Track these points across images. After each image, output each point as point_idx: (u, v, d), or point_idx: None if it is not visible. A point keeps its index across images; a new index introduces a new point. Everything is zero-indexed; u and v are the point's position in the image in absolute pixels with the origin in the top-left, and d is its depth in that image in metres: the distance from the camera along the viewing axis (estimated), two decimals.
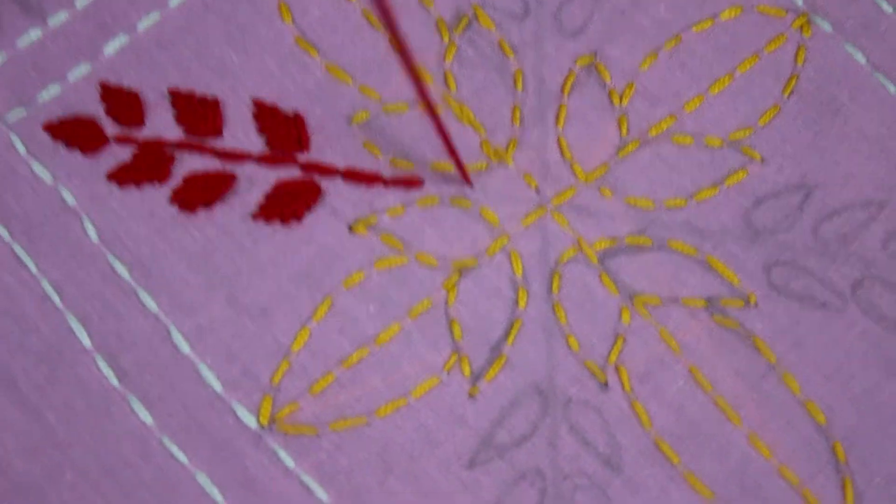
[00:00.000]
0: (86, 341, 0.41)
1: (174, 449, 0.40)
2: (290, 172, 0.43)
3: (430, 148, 0.43)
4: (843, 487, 0.40)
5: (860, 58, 0.45)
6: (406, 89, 0.44)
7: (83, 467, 0.39)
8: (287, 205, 0.42)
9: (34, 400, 0.40)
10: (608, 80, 0.45)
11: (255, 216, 0.42)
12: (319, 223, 0.43)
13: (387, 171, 0.43)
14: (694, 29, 0.45)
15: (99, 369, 0.41)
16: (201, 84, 0.44)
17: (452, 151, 0.41)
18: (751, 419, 0.41)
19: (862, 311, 0.42)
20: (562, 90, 0.44)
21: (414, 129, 0.44)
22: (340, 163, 0.43)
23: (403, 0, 0.45)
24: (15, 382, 0.40)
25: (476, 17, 0.45)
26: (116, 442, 0.40)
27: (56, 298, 0.41)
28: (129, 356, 0.41)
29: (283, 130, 0.43)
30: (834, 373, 0.41)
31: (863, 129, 0.44)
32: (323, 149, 0.44)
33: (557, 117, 0.44)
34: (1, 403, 0.40)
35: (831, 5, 0.45)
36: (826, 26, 0.45)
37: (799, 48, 0.45)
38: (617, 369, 0.41)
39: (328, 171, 0.43)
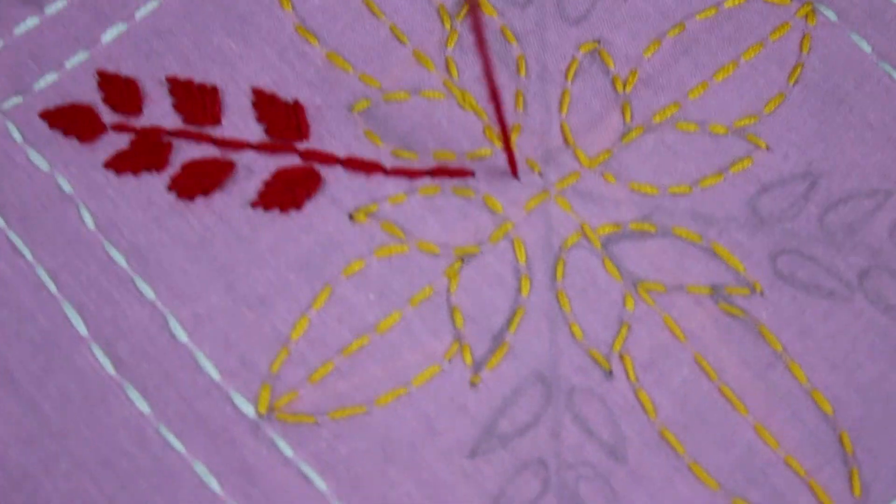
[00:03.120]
0: (82, 329, 0.40)
1: (171, 438, 0.39)
2: (290, 160, 0.43)
3: (432, 137, 0.43)
4: (851, 478, 0.40)
5: (865, 47, 0.44)
6: (406, 78, 0.44)
7: (79, 457, 0.39)
8: (286, 192, 0.42)
9: (30, 389, 0.40)
10: (612, 67, 0.44)
11: (254, 204, 0.42)
12: (319, 211, 0.42)
13: (388, 161, 0.43)
14: (697, 17, 0.45)
15: (95, 358, 0.40)
16: (200, 72, 0.44)
17: (508, 144, 0.41)
18: (757, 409, 0.40)
19: (869, 301, 0.42)
20: (565, 76, 0.44)
21: (415, 118, 0.43)
22: (341, 151, 0.43)
23: None
24: (10, 372, 0.40)
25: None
26: (113, 431, 0.39)
27: (52, 286, 0.41)
28: (125, 345, 0.40)
29: (282, 119, 0.43)
30: (840, 362, 0.41)
31: (868, 118, 0.44)
32: (323, 137, 0.43)
33: (561, 103, 0.44)
34: None
35: None
36: (831, 15, 0.45)
37: (804, 36, 0.45)
38: (621, 357, 0.41)
39: (328, 159, 0.43)
